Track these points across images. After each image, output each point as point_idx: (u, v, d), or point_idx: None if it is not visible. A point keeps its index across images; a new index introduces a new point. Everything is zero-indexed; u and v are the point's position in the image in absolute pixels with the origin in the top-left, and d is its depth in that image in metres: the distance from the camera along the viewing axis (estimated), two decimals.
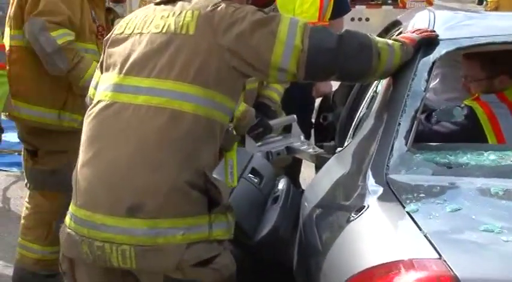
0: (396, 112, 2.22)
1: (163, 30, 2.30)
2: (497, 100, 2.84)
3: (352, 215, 1.93)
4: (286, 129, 3.91)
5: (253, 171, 2.96)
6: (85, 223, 2.24)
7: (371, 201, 1.95)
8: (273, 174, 3.14)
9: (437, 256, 1.61)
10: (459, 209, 1.80)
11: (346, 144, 2.63)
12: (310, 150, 3.67)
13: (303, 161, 4.59)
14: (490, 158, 2.09)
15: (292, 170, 4.42)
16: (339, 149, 2.66)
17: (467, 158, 2.09)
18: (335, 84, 4.59)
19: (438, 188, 1.94)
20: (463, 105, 2.69)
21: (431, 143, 2.31)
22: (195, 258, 2.19)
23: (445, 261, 1.58)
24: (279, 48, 2.22)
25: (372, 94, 2.78)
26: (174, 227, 2.19)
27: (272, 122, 3.80)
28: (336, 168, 2.48)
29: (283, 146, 3.71)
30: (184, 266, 2.19)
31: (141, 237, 2.18)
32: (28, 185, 3.70)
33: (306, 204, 2.58)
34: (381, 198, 1.95)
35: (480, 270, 1.57)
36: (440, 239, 1.67)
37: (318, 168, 4.16)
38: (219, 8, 2.26)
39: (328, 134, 4.19)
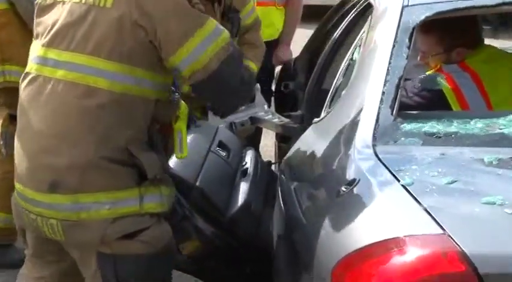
0: (379, 80, 2.15)
1: (83, 1, 2.26)
2: (459, 70, 2.82)
3: (343, 188, 1.85)
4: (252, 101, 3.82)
5: (221, 145, 2.91)
6: (21, 196, 2.35)
7: (361, 174, 1.86)
8: (240, 146, 3.11)
9: (441, 231, 1.53)
10: (455, 181, 1.73)
11: (323, 114, 2.55)
12: (275, 119, 3.61)
13: (263, 130, 4.53)
14: (477, 126, 2.02)
15: (252, 139, 4.34)
16: (316, 119, 2.57)
17: (455, 127, 2.02)
18: (295, 52, 4.52)
19: (430, 159, 1.87)
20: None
21: (415, 112, 2.25)
22: (119, 232, 2.23)
23: (449, 236, 1.51)
24: (183, 52, 2.21)
25: (348, 62, 2.69)
26: (97, 202, 2.23)
27: None
28: (317, 139, 2.40)
29: (247, 116, 3.64)
30: (109, 240, 2.23)
31: (65, 212, 2.25)
32: (4, 151, 3.56)
33: (283, 177, 2.50)
34: (372, 170, 1.87)
35: (488, 245, 1.51)
36: (442, 213, 1.59)
37: (283, 138, 4.11)
38: None
39: (289, 102, 4.12)
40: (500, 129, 1.99)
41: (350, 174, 1.90)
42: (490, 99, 2.79)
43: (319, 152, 2.26)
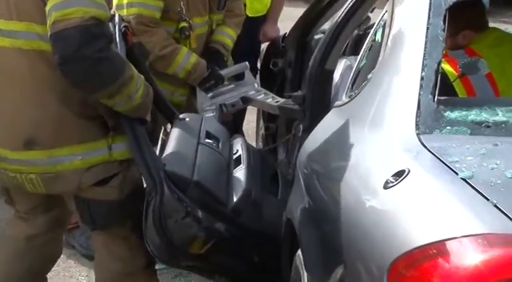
0: (416, 65, 2.04)
1: None
2: (465, 55, 2.78)
3: (390, 179, 1.74)
4: (238, 77, 3.74)
5: (209, 136, 2.88)
6: None
7: (410, 164, 1.75)
8: (227, 135, 3.08)
9: None
10: None
11: (346, 98, 2.44)
12: (270, 99, 3.52)
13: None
14: None
15: (237, 117, 4.27)
16: (338, 103, 2.46)
17: (502, 115, 1.93)
18: (282, 29, 4.44)
19: (484, 150, 1.76)
20: None
21: (455, 98, 2.15)
22: (93, 179, 2.49)
23: None
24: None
25: (370, 43, 2.58)
26: (71, 154, 2.46)
27: (223, 72, 3.69)
28: (344, 125, 2.28)
29: (238, 96, 3.57)
30: (84, 187, 2.49)
31: (42, 166, 2.47)
32: None
33: (304, 166, 2.38)
34: (422, 161, 1.77)
35: None
36: None
37: (271, 117, 4.02)
38: None
39: (277, 79, 4.06)
40: None
41: (396, 165, 1.78)
42: (498, 86, 2.75)
43: (351, 140, 2.15)
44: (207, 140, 2.83)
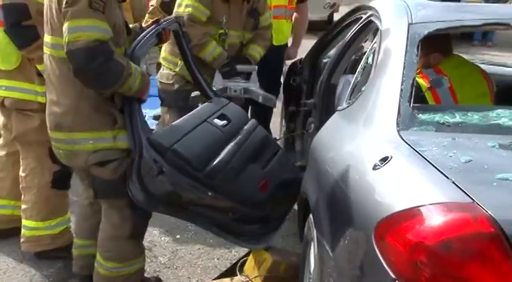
0: (397, 80, 2.04)
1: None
2: (434, 72, 2.77)
3: (377, 163, 1.74)
4: (247, 77, 3.68)
5: (221, 117, 2.72)
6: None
7: (392, 152, 1.75)
8: (243, 120, 2.87)
9: (470, 200, 1.43)
10: (471, 160, 1.62)
11: (345, 104, 2.43)
12: (259, 91, 3.55)
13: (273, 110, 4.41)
14: (475, 117, 1.93)
15: (265, 117, 4.24)
16: (340, 107, 2.46)
17: (459, 118, 1.92)
18: (299, 55, 4.40)
19: (445, 142, 1.76)
20: None
21: (425, 105, 2.15)
22: (96, 159, 2.43)
23: (478, 204, 1.41)
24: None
25: (364, 65, 2.57)
26: (84, 139, 2.41)
27: (238, 67, 3.63)
28: (345, 124, 2.28)
29: (242, 87, 3.51)
30: (89, 165, 2.45)
31: (64, 144, 2.47)
32: None
33: (315, 153, 2.38)
34: (402, 150, 1.76)
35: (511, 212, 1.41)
36: (468, 185, 1.48)
37: (291, 118, 4.01)
38: None
39: (296, 91, 4.03)
40: (494, 120, 1.90)
41: (382, 152, 1.78)
42: (457, 96, 2.72)
43: (349, 134, 2.15)
44: (216, 120, 2.68)
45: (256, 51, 3.74)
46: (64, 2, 2.26)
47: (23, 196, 3.06)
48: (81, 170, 2.56)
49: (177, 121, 2.65)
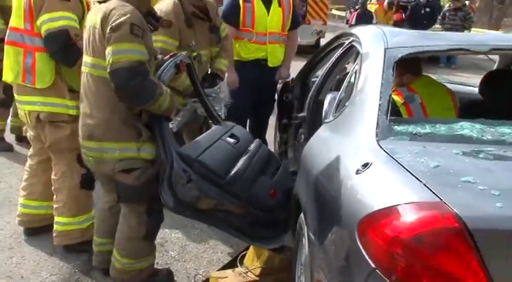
0: (375, 97, 2.08)
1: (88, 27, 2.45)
2: (407, 90, 2.79)
3: (360, 168, 1.77)
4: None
5: (232, 136, 2.76)
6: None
7: (372, 159, 1.78)
8: (249, 139, 2.92)
9: (438, 200, 1.46)
10: (439, 166, 1.65)
11: (331, 117, 2.46)
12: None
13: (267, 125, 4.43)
14: (442, 128, 1.97)
15: (259, 132, 4.26)
16: (327, 120, 2.49)
17: (428, 129, 1.96)
18: (291, 75, 4.43)
19: (417, 150, 1.79)
20: None
21: (401, 118, 2.17)
22: (121, 167, 2.42)
23: (445, 203, 1.44)
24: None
25: (347, 83, 2.61)
26: (112, 148, 2.40)
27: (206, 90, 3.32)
28: (332, 134, 2.30)
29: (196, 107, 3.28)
30: (116, 172, 2.44)
31: (95, 152, 2.45)
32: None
33: (305, 160, 2.40)
34: (380, 157, 1.78)
35: (474, 209, 1.44)
36: (437, 187, 1.51)
37: (284, 130, 4.02)
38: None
39: (288, 107, 4.06)
40: (457, 131, 1.94)
41: (363, 159, 1.80)
42: (427, 110, 2.76)
43: (335, 143, 2.17)
44: (228, 138, 2.72)
45: (222, 64, 3.66)
46: (108, 28, 2.27)
47: (55, 196, 3.09)
48: (105, 176, 2.55)
49: (196, 138, 2.68)
